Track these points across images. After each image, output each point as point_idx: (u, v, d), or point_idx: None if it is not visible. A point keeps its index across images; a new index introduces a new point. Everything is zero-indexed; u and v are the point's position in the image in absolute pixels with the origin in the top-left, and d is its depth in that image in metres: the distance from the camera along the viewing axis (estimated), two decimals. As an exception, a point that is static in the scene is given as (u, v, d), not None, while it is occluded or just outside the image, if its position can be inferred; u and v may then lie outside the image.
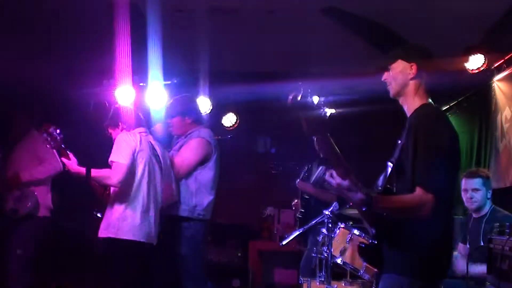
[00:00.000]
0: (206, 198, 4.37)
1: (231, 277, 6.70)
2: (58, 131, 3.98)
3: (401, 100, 2.71)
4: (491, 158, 5.84)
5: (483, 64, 5.52)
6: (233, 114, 7.42)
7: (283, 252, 6.56)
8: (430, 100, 2.68)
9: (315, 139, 2.31)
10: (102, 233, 3.80)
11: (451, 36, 5.35)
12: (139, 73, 5.80)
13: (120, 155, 3.82)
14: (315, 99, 2.23)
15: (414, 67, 2.66)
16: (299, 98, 2.21)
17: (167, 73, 5.97)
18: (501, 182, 5.36)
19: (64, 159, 4.00)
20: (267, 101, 6.32)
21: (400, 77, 2.67)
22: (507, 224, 3.42)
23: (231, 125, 7.41)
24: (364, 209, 2.42)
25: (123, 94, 5.16)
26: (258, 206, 7.15)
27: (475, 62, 5.55)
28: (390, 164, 2.64)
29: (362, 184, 2.40)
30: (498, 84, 5.65)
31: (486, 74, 5.72)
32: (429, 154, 2.43)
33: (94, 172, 3.83)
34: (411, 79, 2.66)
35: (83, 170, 3.86)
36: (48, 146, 4.02)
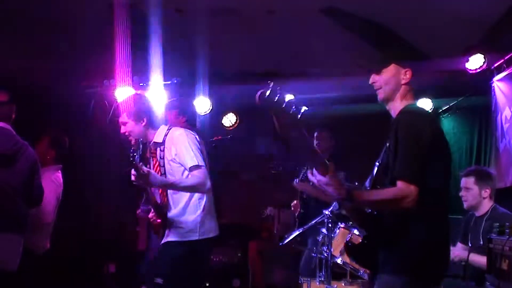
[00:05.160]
0: None
1: (231, 277, 6.70)
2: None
3: (388, 105, 2.67)
4: (491, 158, 5.85)
5: (483, 64, 5.53)
6: (233, 114, 7.42)
7: (283, 252, 6.55)
8: (416, 102, 2.66)
9: (290, 138, 2.24)
10: (183, 237, 3.64)
11: (451, 36, 5.35)
12: (139, 73, 5.80)
13: (197, 158, 3.56)
14: (287, 97, 2.16)
15: (409, 73, 2.62)
16: (267, 95, 2.14)
17: (167, 73, 5.97)
18: (501, 182, 5.36)
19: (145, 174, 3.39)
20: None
21: (393, 81, 2.63)
22: (507, 224, 3.43)
23: (231, 125, 7.41)
24: (345, 203, 2.41)
25: (123, 94, 5.16)
26: (258, 206, 7.14)
27: (475, 62, 5.55)
28: (377, 164, 2.63)
29: (359, 182, 2.39)
30: (498, 84, 5.65)
31: (486, 74, 5.73)
32: (409, 147, 2.41)
33: (181, 182, 3.58)
34: (404, 84, 2.63)
35: (166, 180, 3.57)
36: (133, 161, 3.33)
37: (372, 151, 2.90)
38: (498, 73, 5.63)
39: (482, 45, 5.51)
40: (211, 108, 6.86)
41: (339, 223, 4.24)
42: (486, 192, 4.18)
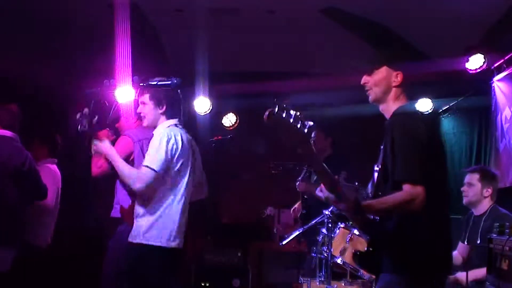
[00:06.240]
0: None
1: (231, 277, 6.69)
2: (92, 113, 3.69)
3: (380, 106, 2.67)
4: (491, 158, 5.85)
5: (483, 64, 5.53)
6: (233, 114, 7.42)
7: (283, 252, 6.55)
8: (409, 103, 2.65)
9: (298, 153, 2.24)
10: (132, 238, 3.52)
11: (451, 36, 5.35)
12: (139, 73, 5.78)
13: (153, 160, 3.43)
14: (293, 113, 2.15)
15: (400, 76, 2.61)
16: (275, 113, 2.13)
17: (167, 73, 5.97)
18: (501, 182, 5.36)
19: (100, 139, 3.71)
20: (267, 101, 6.33)
21: (384, 83, 2.62)
22: (507, 224, 3.42)
23: (231, 125, 7.41)
24: (354, 217, 2.41)
25: (123, 94, 5.16)
26: (258, 206, 7.15)
27: (475, 62, 5.55)
28: (376, 169, 2.62)
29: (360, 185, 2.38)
30: (498, 84, 5.65)
31: (486, 74, 5.73)
32: (406, 149, 2.41)
33: (123, 165, 3.55)
34: (395, 86, 2.62)
35: (114, 156, 3.60)
36: (79, 128, 3.71)
37: (371, 152, 2.90)
38: (498, 73, 5.64)
39: (482, 45, 5.52)
40: (211, 108, 6.87)
41: (339, 223, 4.24)
42: (487, 192, 4.18)
